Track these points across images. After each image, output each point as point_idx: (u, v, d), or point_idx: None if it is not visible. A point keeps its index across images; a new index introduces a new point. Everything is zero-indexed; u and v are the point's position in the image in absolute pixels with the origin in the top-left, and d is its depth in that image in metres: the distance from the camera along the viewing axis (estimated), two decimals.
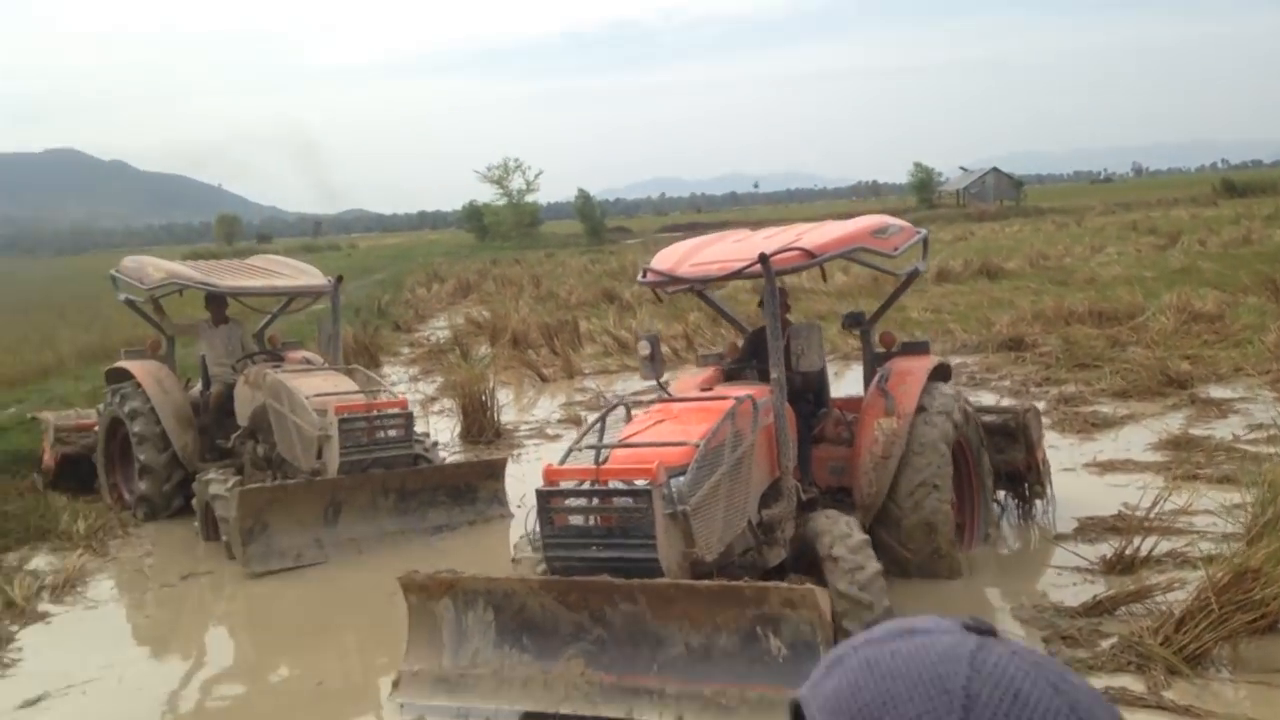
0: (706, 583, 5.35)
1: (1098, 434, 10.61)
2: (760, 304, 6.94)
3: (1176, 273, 22.58)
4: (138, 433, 10.02)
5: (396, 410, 9.39)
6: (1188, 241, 31.69)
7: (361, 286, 39.12)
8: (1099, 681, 5.29)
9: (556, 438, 12.84)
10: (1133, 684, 5.23)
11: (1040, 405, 11.88)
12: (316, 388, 9.33)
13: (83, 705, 6.16)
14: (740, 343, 7.87)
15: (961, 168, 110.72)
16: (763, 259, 6.17)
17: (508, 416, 13.63)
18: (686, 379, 7.62)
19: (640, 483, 5.43)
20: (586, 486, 5.60)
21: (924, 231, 7.60)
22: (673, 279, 6.90)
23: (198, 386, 10.73)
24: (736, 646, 5.07)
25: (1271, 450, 9.02)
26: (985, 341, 16.30)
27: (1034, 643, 5.83)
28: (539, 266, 47.59)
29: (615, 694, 5.19)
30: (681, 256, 6.98)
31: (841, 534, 5.89)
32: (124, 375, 10.46)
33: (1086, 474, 9.26)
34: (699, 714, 4.99)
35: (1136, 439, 10.22)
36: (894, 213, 20.86)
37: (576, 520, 5.65)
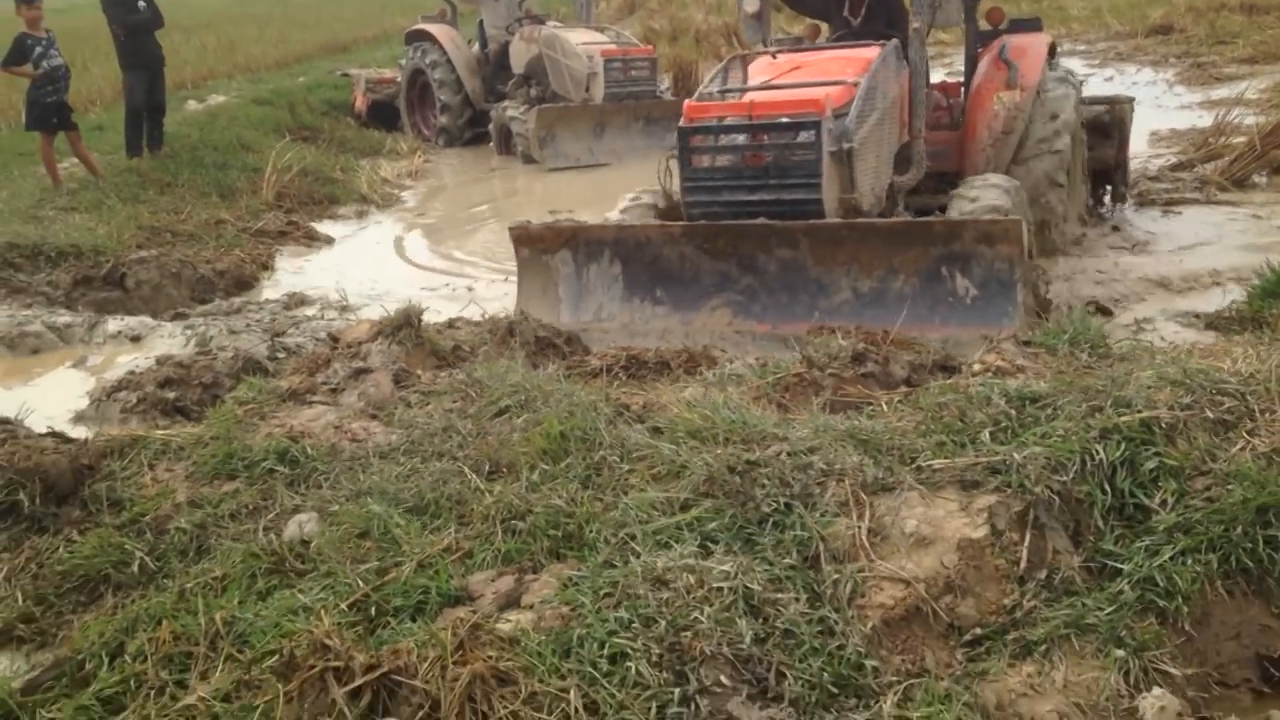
0: (887, 220, 4.94)
1: (1218, 85, 12.59)
2: None
3: None
4: (438, 79, 12.99)
5: (644, 57, 12.12)
6: None
7: None
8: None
9: None
10: (1192, 194, 7.81)
11: (1171, 73, 13.90)
12: (581, 38, 12.05)
13: (438, 216, 9.48)
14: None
15: None
16: None
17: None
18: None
19: (807, 115, 4.92)
20: (740, 122, 5.01)
21: None
22: None
23: (476, 46, 13.52)
24: (916, 289, 4.62)
25: None
26: (1136, 29, 17.84)
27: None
28: None
29: (772, 342, 4.71)
30: None
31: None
32: (421, 36, 13.34)
33: (1198, 109, 11.40)
34: None
35: (1250, 88, 12.15)
36: None
37: (723, 160, 5.09)
